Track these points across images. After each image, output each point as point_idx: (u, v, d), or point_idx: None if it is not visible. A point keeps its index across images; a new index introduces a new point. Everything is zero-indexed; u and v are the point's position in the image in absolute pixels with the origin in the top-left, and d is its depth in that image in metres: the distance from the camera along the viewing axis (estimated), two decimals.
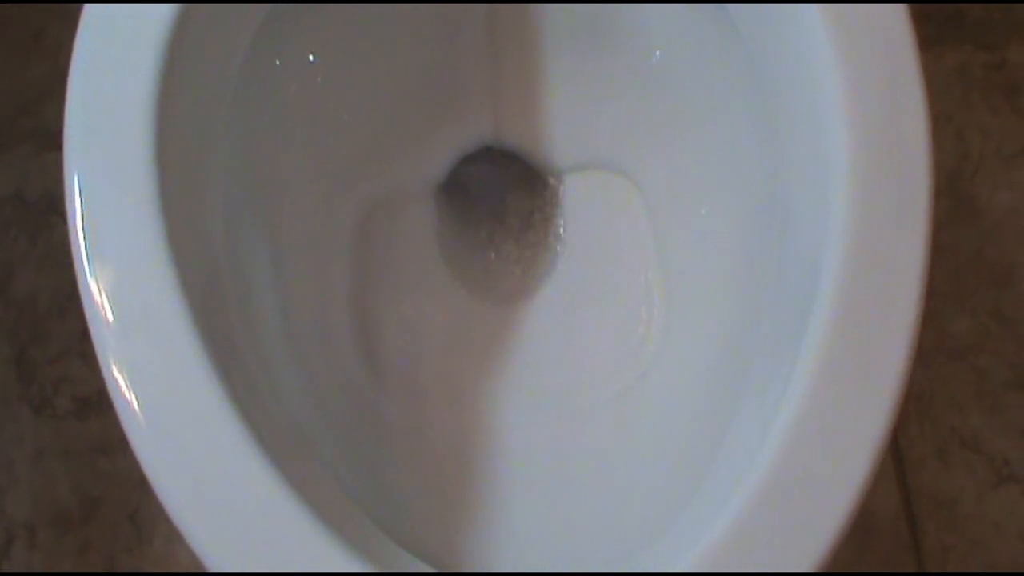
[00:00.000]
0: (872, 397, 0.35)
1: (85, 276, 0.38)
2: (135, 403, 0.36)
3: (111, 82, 0.40)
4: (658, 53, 0.52)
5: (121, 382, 0.36)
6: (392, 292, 0.54)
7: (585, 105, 0.55)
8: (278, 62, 0.48)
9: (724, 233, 0.50)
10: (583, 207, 0.56)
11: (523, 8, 0.53)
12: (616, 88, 0.54)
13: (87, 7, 0.41)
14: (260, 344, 0.43)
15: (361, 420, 0.50)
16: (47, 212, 0.75)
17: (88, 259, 0.38)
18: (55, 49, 0.78)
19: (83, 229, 0.38)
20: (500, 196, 0.59)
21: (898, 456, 0.69)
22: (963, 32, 0.78)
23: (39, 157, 0.76)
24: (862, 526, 0.34)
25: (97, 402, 0.69)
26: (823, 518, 0.34)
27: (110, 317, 0.37)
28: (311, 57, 0.50)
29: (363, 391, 0.51)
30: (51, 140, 0.75)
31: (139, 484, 0.36)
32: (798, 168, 0.41)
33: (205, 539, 0.35)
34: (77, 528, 0.67)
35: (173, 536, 0.36)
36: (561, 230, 0.56)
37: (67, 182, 0.39)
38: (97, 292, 0.37)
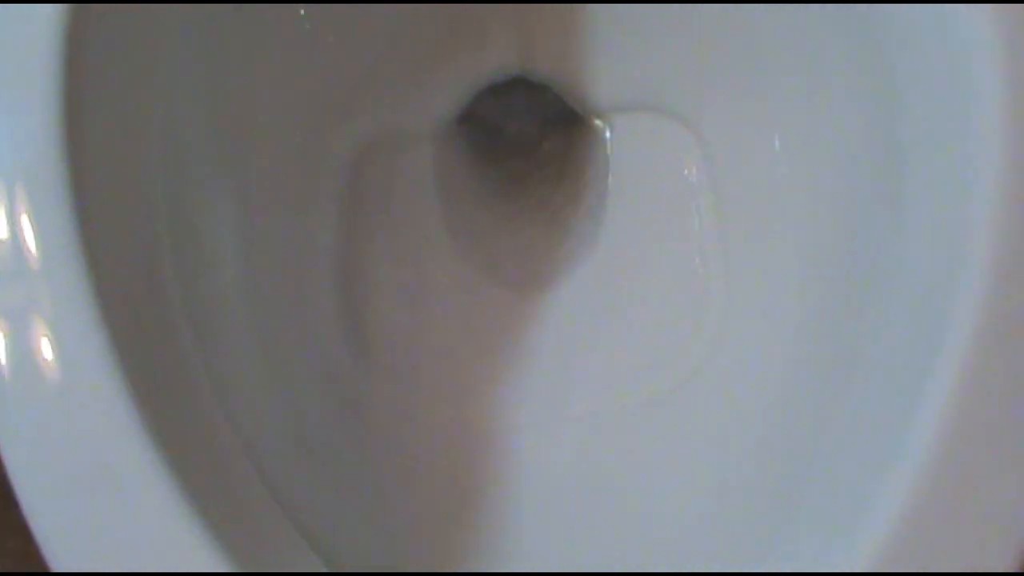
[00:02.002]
0: None
1: None
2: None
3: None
4: None
5: None
6: (388, 256, 0.44)
7: (638, 29, 0.45)
8: None
9: (808, 197, 0.40)
10: (628, 157, 0.46)
11: None
12: (679, 15, 0.44)
13: None
14: (206, 324, 0.35)
15: (340, 418, 0.41)
16: None
17: None
18: None
19: None
20: (526, 139, 0.50)
21: None
22: None
23: None
24: None
25: None
26: None
27: None
28: None
29: (345, 380, 0.42)
30: None
31: None
32: (929, 134, 0.32)
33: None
34: None
35: None
36: (599, 185, 0.46)
37: None
38: None
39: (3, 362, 0.28)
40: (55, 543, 0.28)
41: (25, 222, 0.29)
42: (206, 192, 0.37)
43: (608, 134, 0.46)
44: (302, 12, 0.41)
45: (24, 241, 0.29)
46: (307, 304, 0.42)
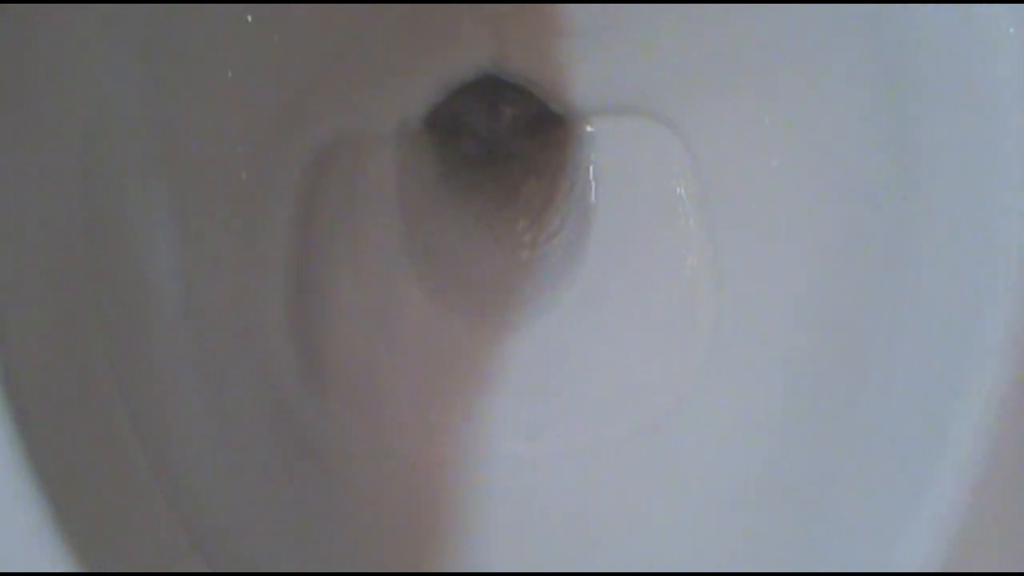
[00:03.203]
0: None
1: None
2: None
3: None
4: None
5: None
6: (347, 274, 0.40)
7: (621, 25, 0.41)
8: None
9: (809, 209, 0.37)
10: (611, 164, 0.42)
11: None
12: (666, 11, 0.40)
13: None
14: (129, 349, 0.31)
15: (292, 456, 0.37)
16: None
17: None
18: None
19: None
20: (500, 143, 0.46)
21: None
22: None
23: None
24: None
25: None
26: None
27: None
28: None
29: (298, 413, 0.38)
30: None
31: None
32: (949, 141, 0.30)
33: None
34: None
35: None
36: (580, 195, 0.42)
37: None
38: None
39: None
40: None
41: None
42: (135, 206, 0.33)
43: (590, 139, 0.42)
44: (244, 6, 0.37)
45: None
46: (255, 327, 0.38)
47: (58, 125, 0.30)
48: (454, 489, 0.37)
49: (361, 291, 0.40)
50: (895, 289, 0.31)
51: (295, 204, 0.40)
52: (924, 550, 0.25)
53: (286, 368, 0.38)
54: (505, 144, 0.46)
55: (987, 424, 0.25)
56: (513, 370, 0.40)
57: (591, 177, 0.42)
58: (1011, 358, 0.25)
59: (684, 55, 0.40)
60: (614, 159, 0.42)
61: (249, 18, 0.37)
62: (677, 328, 0.39)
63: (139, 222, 0.34)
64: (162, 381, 0.33)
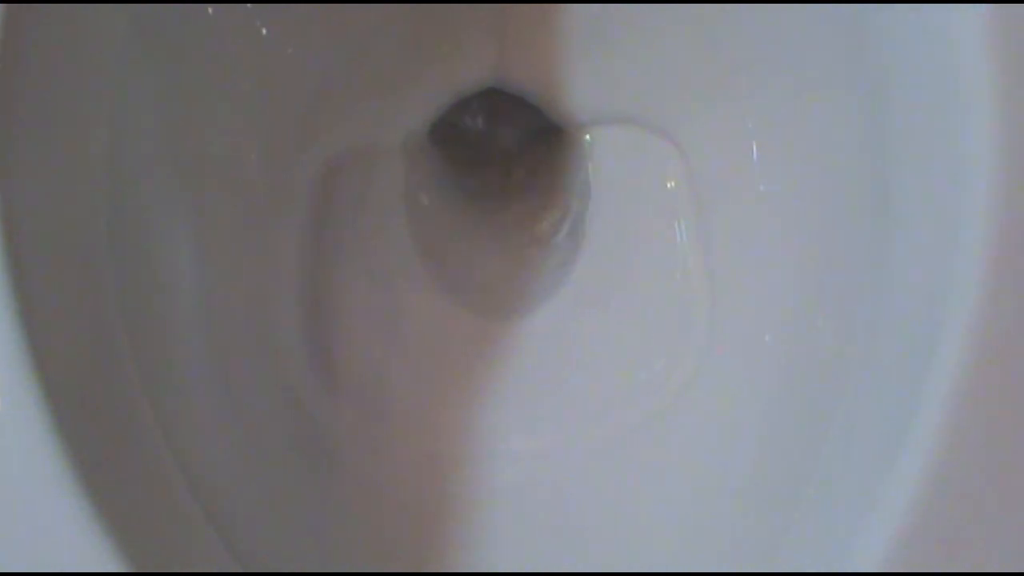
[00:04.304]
0: None
1: None
2: None
3: None
4: None
5: None
6: (357, 279, 0.42)
7: (617, 39, 0.42)
8: None
9: (792, 208, 0.38)
10: (609, 172, 0.44)
11: None
12: (659, 22, 0.42)
13: None
14: (155, 355, 0.32)
15: (303, 452, 0.38)
16: None
17: None
18: None
19: None
20: (502, 153, 0.47)
21: None
22: None
23: None
24: None
25: None
26: None
27: None
28: None
29: (310, 410, 0.39)
30: None
31: None
32: (919, 142, 0.31)
33: None
34: None
35: None
36: (580, 202, 0.44)
37: None
38: None
39: None
40: None
41: None
42: (157, 212, 0.35)
43: (587, 147, 0.44)
44: (259, 22, 0.38)
45: None
46: (270, 329, 0.39)
47: (84, 137, 0.31)
48: (459, 483, 0.39)
49: (369, 293, 0.42)
50: (871, 295, 0.32)
51: (307, 210, 0.41)
52: (878, 552, 0.27)
53: (298, 367, 0.39)
54: (506, 153, 0.48)
55: (948, 420, 0.27)
56: (515, 368, 0.41)
57: (589, 184, 0.43)
58: (972, 360, 0.27)
59: (679, 67, 0.42)
60: (611, 166, 0.43)
61: (264, 32, 0.38)
62: (672, 326, 0.41)
63: (159, 227, 0.35)
64: (181, 377, 0.34)
